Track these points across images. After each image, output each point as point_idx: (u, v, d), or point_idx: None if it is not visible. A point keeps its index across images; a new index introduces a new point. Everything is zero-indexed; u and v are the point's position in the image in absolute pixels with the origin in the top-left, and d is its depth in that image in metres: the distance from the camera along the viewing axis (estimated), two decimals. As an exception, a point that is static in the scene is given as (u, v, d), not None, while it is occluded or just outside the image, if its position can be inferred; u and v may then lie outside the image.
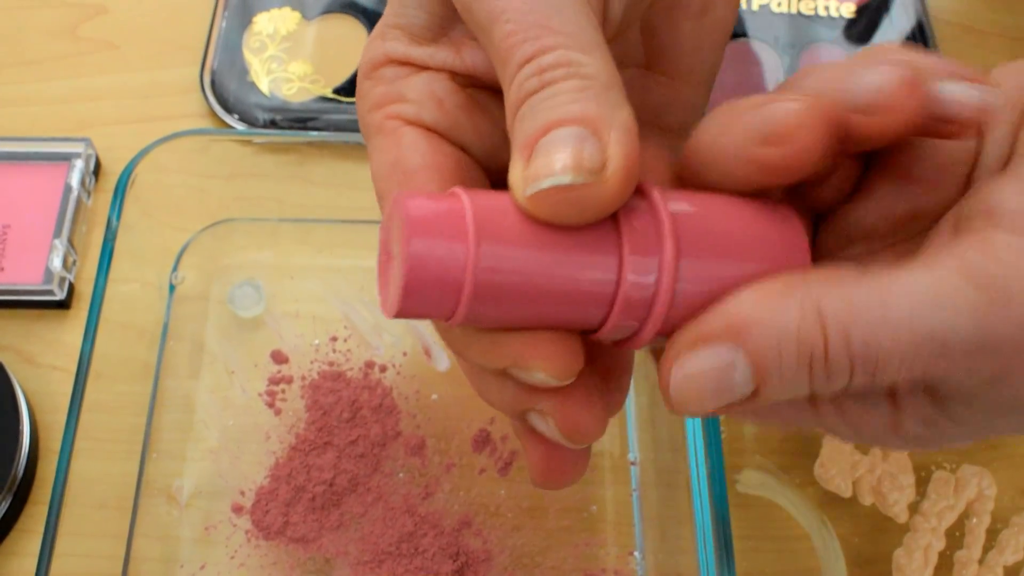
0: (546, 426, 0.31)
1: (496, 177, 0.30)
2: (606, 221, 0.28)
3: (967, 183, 0.31)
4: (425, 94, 0.33)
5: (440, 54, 0.34)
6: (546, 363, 0.29)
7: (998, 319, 0.26)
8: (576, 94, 0.27)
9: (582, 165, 0.26)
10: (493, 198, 0.28)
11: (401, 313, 0.28)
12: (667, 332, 0.29)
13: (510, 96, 0.29)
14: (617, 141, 0.27)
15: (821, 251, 0.34)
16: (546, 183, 0.27)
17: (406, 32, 0.34)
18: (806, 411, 0.30)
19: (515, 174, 0.28)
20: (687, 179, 0.31)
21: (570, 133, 0.27)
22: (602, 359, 0.33)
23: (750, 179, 0.29)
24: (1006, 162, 0.30)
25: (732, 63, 0.71)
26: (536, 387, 0.30)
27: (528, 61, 0.28)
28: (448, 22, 0.34)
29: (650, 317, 0.29)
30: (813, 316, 0.26)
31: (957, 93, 0.28)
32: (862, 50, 0.30)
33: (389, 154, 0.33)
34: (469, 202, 0.28)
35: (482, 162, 0.34)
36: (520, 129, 0.28)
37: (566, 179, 0.26)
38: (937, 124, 0.29)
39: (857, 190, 0.33)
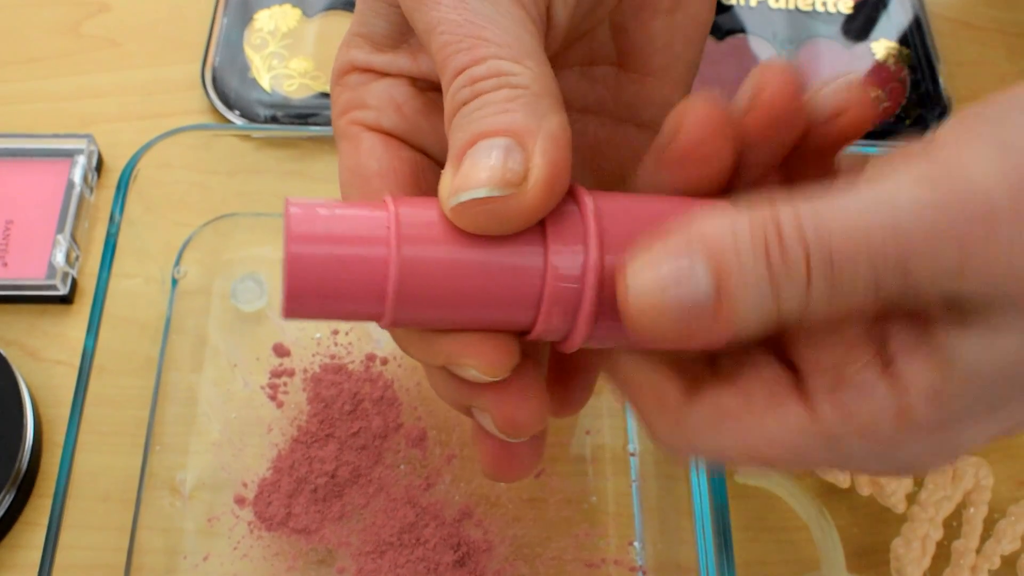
0: (485, 421, 0.31)
1: None
2: (534, 225, 0.29)
3: None
4: (384, 100, 0.34)
5: (399, 60, 0.34)
6: (477, 360, 0.29)
7: (949, 203, 0.25)
8: (505, 104, 0.28)
9: (504, 178, 0.27)
10: (421, 205, 0.29)
11: (291, 313, 0.29)
12: (600, 334, 0.30)
13: (446, 106, 0.29)
14: (542, 152, 0.27)
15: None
16: (466, 196, 0.27)
17: (368, 40, 0.35)
18: (804, 422, 0.29)
19: (444, 184, 0.28)
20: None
21: (494, 144, 0.27)
22: (564, 357, 0.34)
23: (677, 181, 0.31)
24: None
25: (730, 59, 0.72)
26: (473, 383, 0.31)
27: (461, 72, 0.29)
28: (407, 29, 0.34)
29: (579, 316, 0.29)
30: (767, 212, 0.26)
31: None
32: (754, 71, 0.31)
33: (351, 159, 0.34)
34: (394, 209, 0.29)
35: (442, 164, 0.35)
36: (452, 140, 0.29)
37: (484, 192, 0.27)
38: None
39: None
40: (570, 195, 0.30)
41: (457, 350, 0.30)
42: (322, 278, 0.28)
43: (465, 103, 0.29)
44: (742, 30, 0.73)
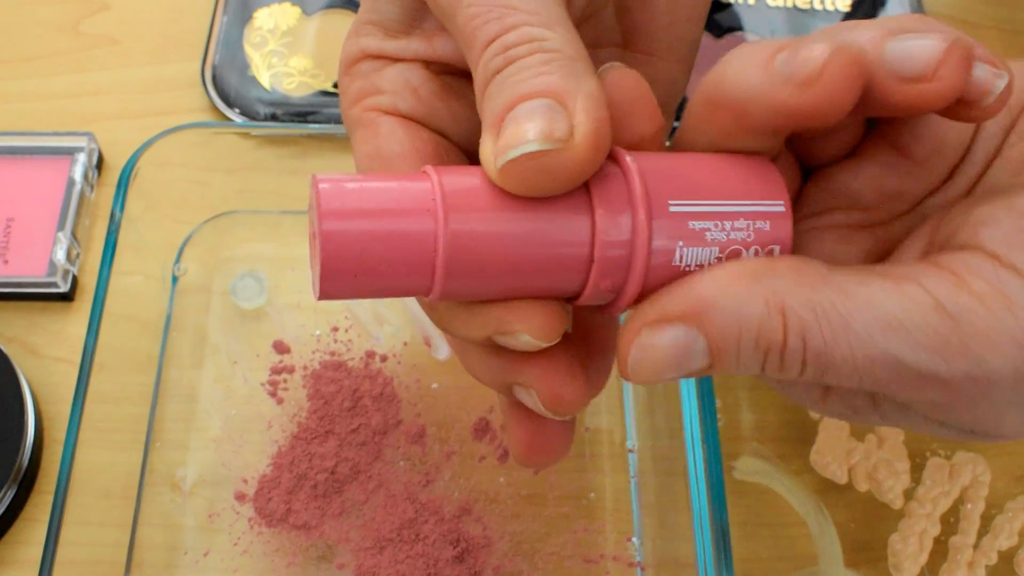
0: (529, 398, 0.31)
1: (475, 160, 0.30)
2: (578, 188, 0.28)
3: (951, 174, 0.32)
4: (400, 84, 0.34)
5: (413, 45, 0.34)
6: (529, 324, 0.29)
7: (956, 354, 0.26)
8: (541, 67, 0.28)
9: (551, 134, 0.27)
10: (463, 173, 0.29)
11: (326, 294, 0.28)
12: (647, 296, 0.29)
13: (478, 77, 0.29)
14: (584, 109, 0.27)
15: (803, 208, 0.34)
16: (515, 152, 0.27)
17: (379, 27, 0.35)
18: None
19: (486, 149, 0.28)
20: (700, 117, 0.31)
21: (537, 104, 0.27)
22: (584, 339, 0.34)
23: (767, 122, 0.29)
24: (988, 164, 0.31)
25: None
26: (520, 358, 0.30)
27: (492, 41, 0.29)
28: (419, 14, 0.34)
29: (629, 278, 0.29)
30: (776, 313, 0.27)
31: (988, 77, 0.28)
32: (896, 16, 0.29)
33: (369, 144, 0.33)
34: (437, 178, 0.28)
35: (461, 145, 0.35)
36: (489, 107, 0.28)
37: (535, 146, 0.27)
38: (960, 105, 0.28)
39: (853, 154, 0.33)
40: (611, 158, 0.30)
41: (507, 317, 0.29)
42: (362, 255, 0.27)
43: (499, 70, 0.28)
44: (740, 28, 0.73)
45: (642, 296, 0.29)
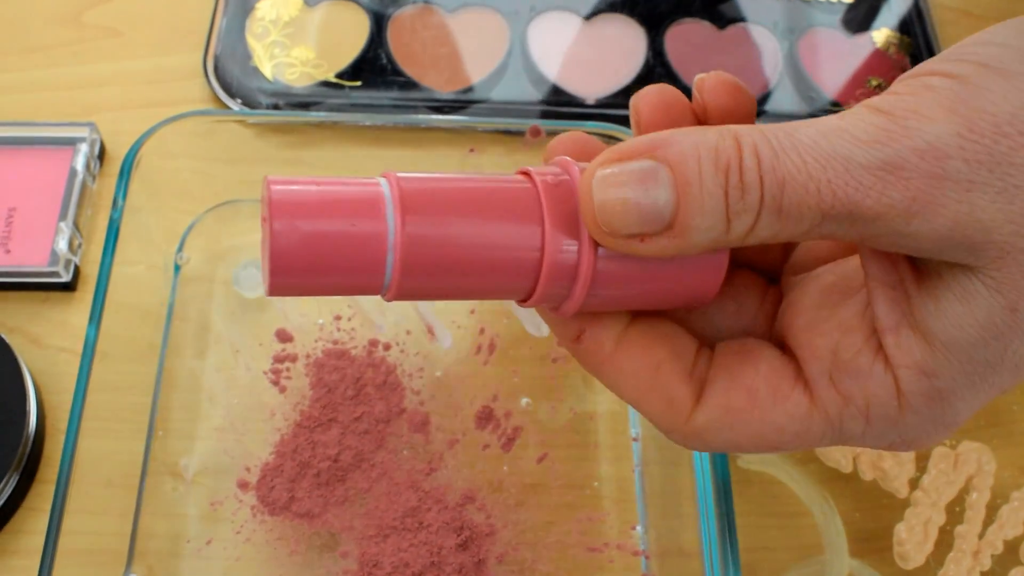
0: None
1: None
2: (532, 195, 0.30)
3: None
4: None
5: None
6: None
7: (897, 140, 0.26)
8: None
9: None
10: (420, 178, 0.30)
11: (276, 290, 0.29)
12: (592, 302, 0.31)
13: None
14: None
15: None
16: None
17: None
18: (806, 409, 0.31)
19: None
20: None
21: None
22: None
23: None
24: None
25: (731, 48, 0.72)
26: None
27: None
28: None
29: (575, 285, 0.30)
30: (730, 136, 0.27)
31: None
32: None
33: None
34: (395, 181, 0.29)
35: None
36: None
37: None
38: None
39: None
40: (562, 168, 0.31)
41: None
42: (313, 254, 0.28)
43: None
44: (742, 19, 0.73)
45: (588, 298, 0.31)
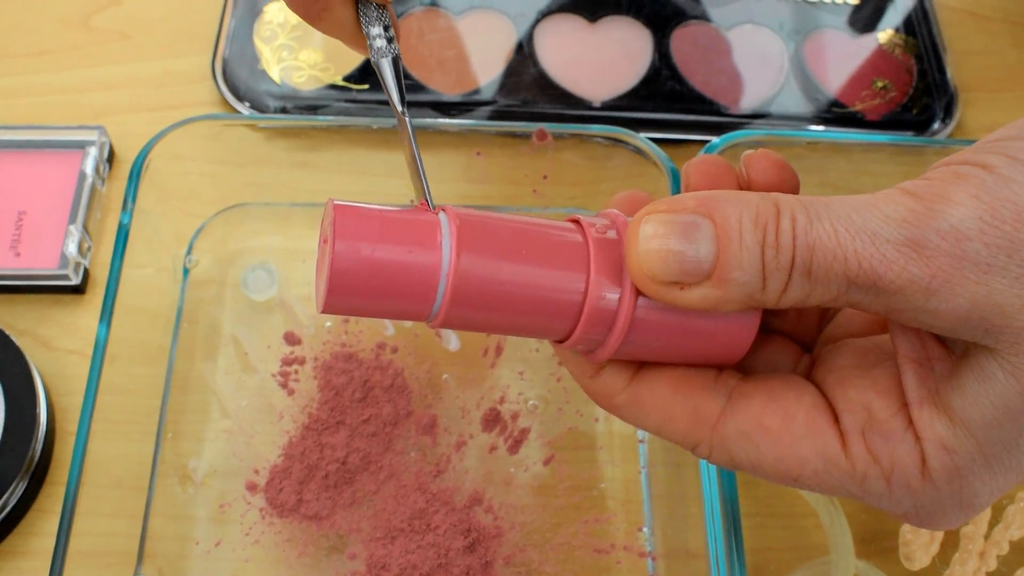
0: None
1: None
2: (580, 244, 0.32)
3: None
4: None
5: None
6: None
7: (923, 221, 0.28)
8: None
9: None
10: (479, 216, 0.32)
11: (330, 308, 0.31)
12: (628, 349, 0.33)
13: None
14: None
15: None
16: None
17: None
18: (836, 452, 0.32)
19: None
20: None
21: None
22: None
23: None
24: None
25: (737, 50, 0.72)
26: None
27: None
28: None
29: (612, 332, 0.32)
30: (770, 200, 0.29)
31: None
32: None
33: None
34: (455, 215, 0.31)
35: None
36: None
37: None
38: None
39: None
40: (612, 223, 0.33)
41: None
42: (369, 279, 0.30)
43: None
44: (749, 21, 0.73)
45: (623, 345, 0.32)
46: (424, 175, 0.35)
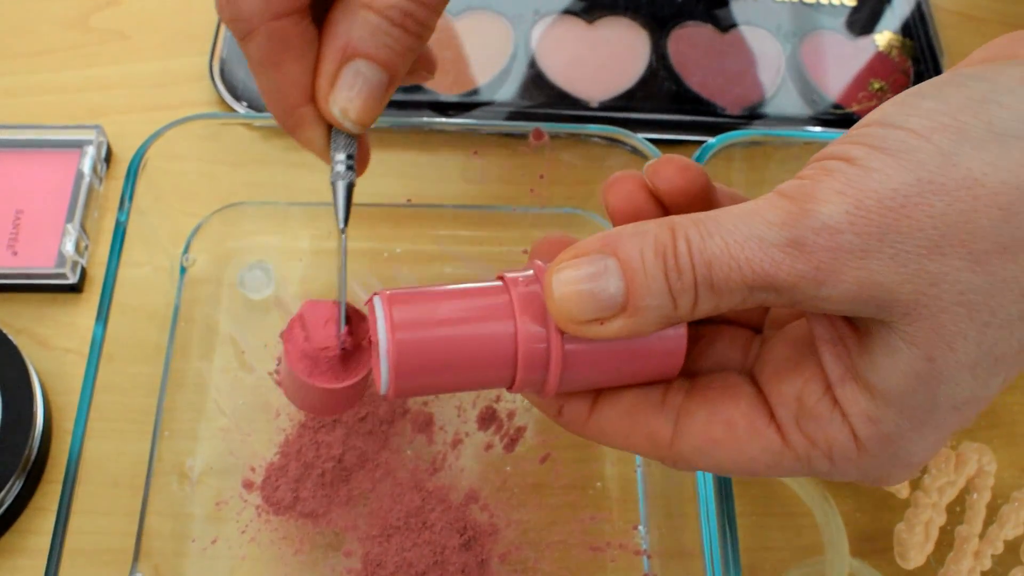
0: None
1: None
2: (506, 300, 0.35)
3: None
4: None
5: None
6: None
7: (799, 221, 0.30)
8: None
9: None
10: (405, 293, 0.36)
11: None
12: (568, 382, 0.36)
13: None
14: None
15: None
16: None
17: None
18: (779, 446, 0.35)
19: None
20: None
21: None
22: None
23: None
24: None
25: (733, 52, 0.72)
26: None
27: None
28: None
29: (549, 369, 0.35)
30: (667, 226, 0.32)
31: None
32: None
33: None
34: (386, 300, 0.35)
35: None
36: None
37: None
38: None
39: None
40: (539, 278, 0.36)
41: None
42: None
43: None
44: (746, 23, 0.73)
45: (563, 381, 0.36)
46: (344, 284, 0.40)
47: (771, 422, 0.35)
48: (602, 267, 0.32)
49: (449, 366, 0.35)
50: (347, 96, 0.38)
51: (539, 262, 0.37)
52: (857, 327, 0.33)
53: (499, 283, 0.36)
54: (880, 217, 0.29)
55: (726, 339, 0.39)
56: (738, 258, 0.30)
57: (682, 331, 0.36)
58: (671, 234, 0.31)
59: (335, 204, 0.40)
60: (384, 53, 0.38)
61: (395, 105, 0.66)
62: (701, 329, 0.40)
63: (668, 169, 0.37)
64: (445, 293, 0.36)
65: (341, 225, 0.40)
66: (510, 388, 0.36)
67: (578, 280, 0.32)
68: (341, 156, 0.40)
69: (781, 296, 0.31)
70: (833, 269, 0.30)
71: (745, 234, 0.30)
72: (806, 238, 0.30)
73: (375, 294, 0.35)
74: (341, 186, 0.40)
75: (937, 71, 0.71)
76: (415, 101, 0.67)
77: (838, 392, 0.33)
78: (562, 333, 0.35)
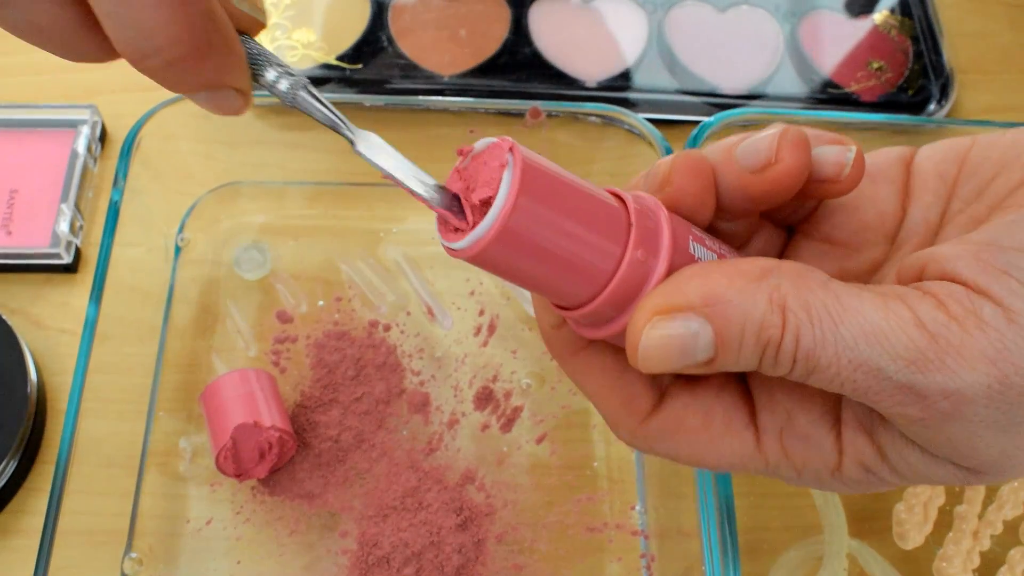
0: None
1: None
2: (624, 224, 0.31)
3: (891, 246, 0.35)
4: None
5: None
6: None
7: (932, 372, 0.27)
8: None
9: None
10: (539, 163, 0.30)
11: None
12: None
13: None
14: None
15: None
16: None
17: None
18: (750, 450, 0.33)
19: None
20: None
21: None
22: None
23: (740, 208, 0.33)
24: (936, 229, 0.34)
25: (732, 30, 0.71)
26: None
27: None
28: None
29: (626, 311, 0.31)
30: (778, 310, 0.28)
31: (827, 154, 0.33)
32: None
33: None
34: (519, 157, 0.30)
35: None
36: None
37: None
38: (825, 183, 0.33)
39: (784, 255, 0.36)
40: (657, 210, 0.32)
41: None
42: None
43: None
44: (744, 2, 0.73)
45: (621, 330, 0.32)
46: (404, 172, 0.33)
47: (750, 423, 0.33)
48: (695, 330, 0.29)
49: (548, 256, 0.30)
50: None
51: (645, 196, 0.33)
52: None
53: (617, 203, 0.32)
54: (1019, 396, 0.27)
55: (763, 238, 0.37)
56: (844, 377, 0.28)
57: None
58: (781, 322, 0.28)
59: (316, 114, 0.33)
60: None
61: (391, 86, 0.66)
62: None
63: (681, 180, 0.33)
64: (574, 189, 0.31)
65: (349, 135, 0.32)
66: (574, 310, 0.32)
67: (668, 338, 0.29)
68: (272, 73, 0.33)
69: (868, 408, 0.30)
70: (940, 426, 0.28)
71: (865, 356, 0.28)
72: (930, 394, 0.27)
73: (502, 139, 0.31)
74: (304, 95, 0.32)
75: (936, 50, 0.70)
76: (412, 80, 0.66)
77: (847, 434, 0.32)
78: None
